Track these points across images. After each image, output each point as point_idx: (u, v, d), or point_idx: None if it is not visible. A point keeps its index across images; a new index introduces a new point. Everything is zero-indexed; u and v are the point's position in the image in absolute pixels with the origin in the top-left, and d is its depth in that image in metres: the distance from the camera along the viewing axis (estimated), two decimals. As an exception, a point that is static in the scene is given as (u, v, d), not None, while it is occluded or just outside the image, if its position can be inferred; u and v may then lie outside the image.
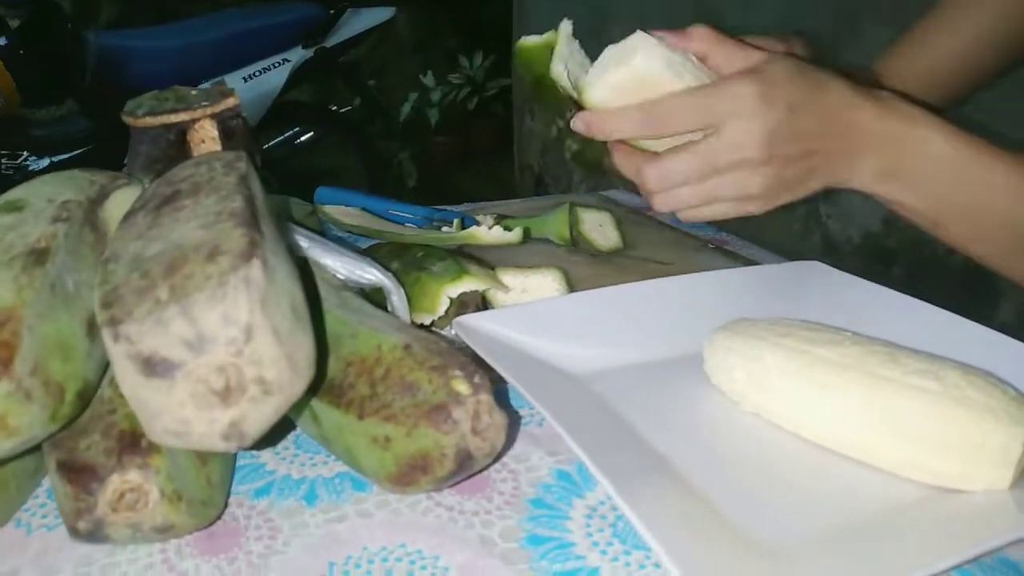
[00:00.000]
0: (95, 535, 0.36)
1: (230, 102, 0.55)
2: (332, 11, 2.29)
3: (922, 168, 0.56)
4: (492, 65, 3.62)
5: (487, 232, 0.74)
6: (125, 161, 0.56)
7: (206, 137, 0.55)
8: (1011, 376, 0.50)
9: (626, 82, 0.54)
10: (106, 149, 1.99)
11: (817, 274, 0.69)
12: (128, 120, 0.56)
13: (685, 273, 0.68)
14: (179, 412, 0.31)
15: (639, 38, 0.54)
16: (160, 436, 0.33)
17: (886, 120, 0.55)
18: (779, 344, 0.52)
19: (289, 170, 2.36)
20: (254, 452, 0.50)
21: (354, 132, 2.62)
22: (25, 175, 2.05)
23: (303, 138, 2.46)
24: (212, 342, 0.31)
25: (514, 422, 0.52)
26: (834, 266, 0.69)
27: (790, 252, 0.85)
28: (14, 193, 0.43)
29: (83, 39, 2.09)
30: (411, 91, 3.69)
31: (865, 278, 0.65)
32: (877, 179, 0.57)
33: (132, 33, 2.32)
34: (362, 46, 2.46)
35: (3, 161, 2.04)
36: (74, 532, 0.37)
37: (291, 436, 0.51)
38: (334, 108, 2.70)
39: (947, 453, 0.44)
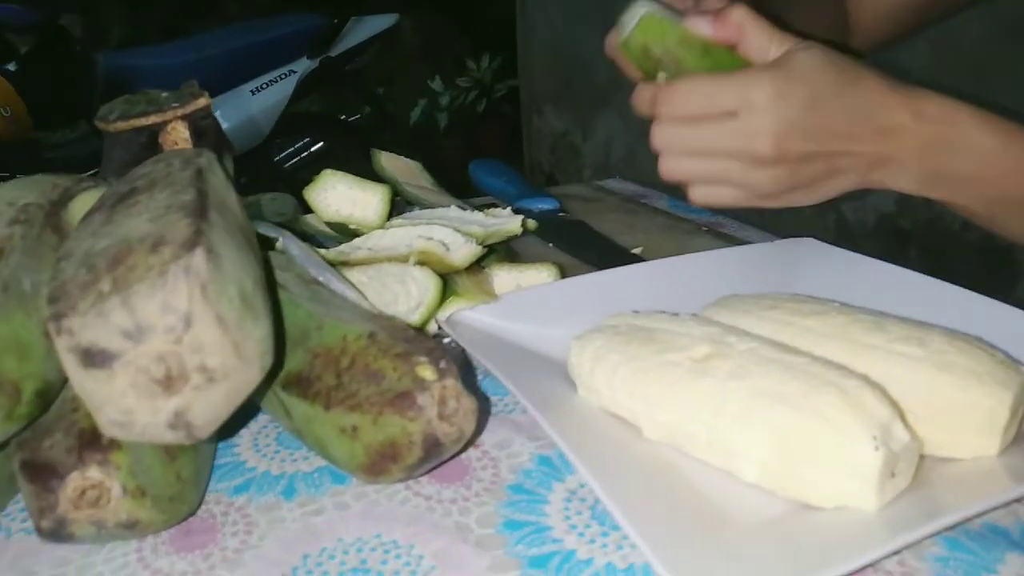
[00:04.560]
0: (59, 533, 0.36)
1: (201, 102, 0.55)
2: (336, 20, 2.30)
3: (969, 169, 0.53)
4: (500, 66, 3.62)
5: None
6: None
7: (178, 139, 0.55)
8: (1006, 341, 0.48)
9: None
10: (119, 168, 2.01)
11: (810, 250, 0.68)
12: (101, 125, 0.56)
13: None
14: (121, 402, 0.31)
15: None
16: (107, 428, 0.32)
17: (925, 122, 0.52)
18: (765, 317, 0.51)
19: (301, 181, 2.38)
20: (235, 450, 0.50)
21: (364, 141, 2.62)
22: (40, 197, 2.07)
23: (313, 148, 2.48)
24: (150, 330, 0.31)
25: (484, 406, 0.51)
26: (847, 248, 0.67)
27: (803, 236, 0.83)
28: (-24, 199, 0.43)
29: (92, 60, 2.12)
30: (420, 97, 3.70)
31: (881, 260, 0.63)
32: (922, 185, 0.54)
33: (139, 52, 2.35)
34: (368, 54, 2.47)
35: (18, 185, 2.07)
36: (39, 531, 0.37)
37: (273, 433, 0.51)
38: (343, 117, 2.72)
39: (932, 420, 0.43)
